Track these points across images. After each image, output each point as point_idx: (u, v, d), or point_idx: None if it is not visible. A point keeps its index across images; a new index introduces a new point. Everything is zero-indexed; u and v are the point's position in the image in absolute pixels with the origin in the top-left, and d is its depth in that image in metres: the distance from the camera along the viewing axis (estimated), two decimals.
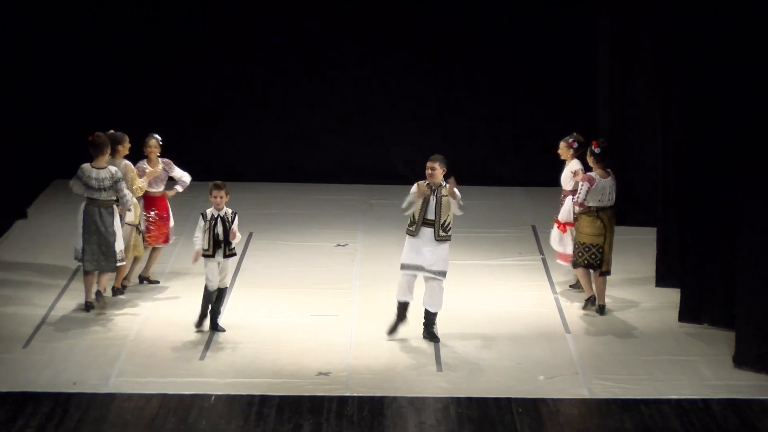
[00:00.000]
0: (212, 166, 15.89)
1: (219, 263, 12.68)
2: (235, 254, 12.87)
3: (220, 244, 12.64)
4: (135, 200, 13.64)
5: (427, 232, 12.44)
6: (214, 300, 12.74)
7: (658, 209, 14.36)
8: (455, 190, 12.39)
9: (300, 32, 18.23)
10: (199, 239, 12.65)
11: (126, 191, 13.16)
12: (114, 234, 13.14)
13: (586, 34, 17.34)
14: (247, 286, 14.13)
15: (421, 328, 12.67)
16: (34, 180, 17.48)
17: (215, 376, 11.71)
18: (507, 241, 15.73)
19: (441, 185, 12.46)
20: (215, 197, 12.67)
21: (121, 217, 13.38)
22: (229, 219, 12.66)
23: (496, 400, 11.28)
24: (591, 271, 13.42)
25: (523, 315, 13.41)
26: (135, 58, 18.18)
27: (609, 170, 13.40)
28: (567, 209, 13.85)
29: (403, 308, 12.64)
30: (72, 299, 13.57)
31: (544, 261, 14.62)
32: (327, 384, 11.58)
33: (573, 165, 13.85)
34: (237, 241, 12.76)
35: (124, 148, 13.54)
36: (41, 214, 16.80)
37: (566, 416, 11.06)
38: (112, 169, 13.13)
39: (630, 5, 16.22)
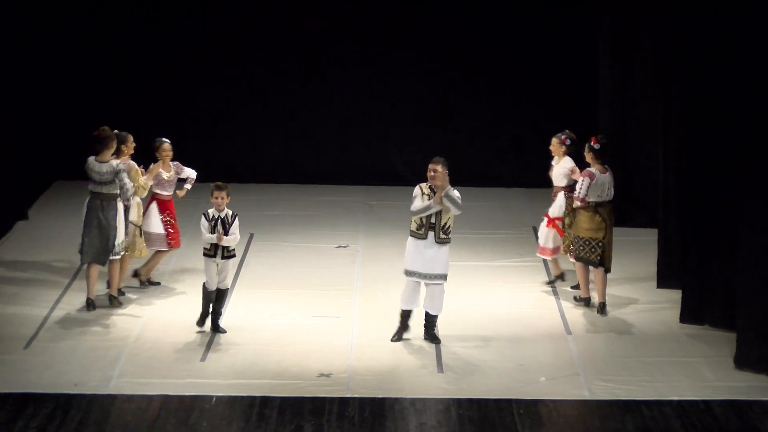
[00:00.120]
0: (213, 167, 15.87)
1: (218, 264, 12.69)
2: (234, 255, 12.86)
3: (219, 245, 12.66)
4: (139, 200, 13.68)
5: (429, 234, 12.44)
6: (213, 299, 12.75)
7: (658, 210, 14.36)
8: (448, 185, 12.30)
9: (300, 33, 18.23)
10: (206, 236, 12.65)
11: (126, 181, 13.17)
12: (115, 228, 13.18)
13: (586, 34, 17.35)
14: (248, 287, 14.13)
15: (422, 329, 12.67)
16: (35, 181, 17.47)
17: (216, 378, 11.71)
18: (507, 242, 15.73)
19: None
20: (216, 198, 12.68)
21: (126, 210, 13.39)
22: (229, 221, 12.67)
23: (497, 402, 11.28)
24: (590, 270, 13.49)
25: (523, 316, 13.42)
26: (136, 58, 18.18)
27: (607, 166, 13.46)
28: (558, 205, 13.94)
29: (406, 316, 12.63)
30: (73, 300, 13.58)
31: (544, 262, 14.60)
32: (328, 385, 11.58)
33: (566, 162, 13.97)
34: (233, 244, 12.70)
35: (128, 147, 13.57)
36: (42, 215, 16.80)
37: (567, 417, 11.07)
38: (114, 162, 13.17)
39: (630, 5, 16.22)
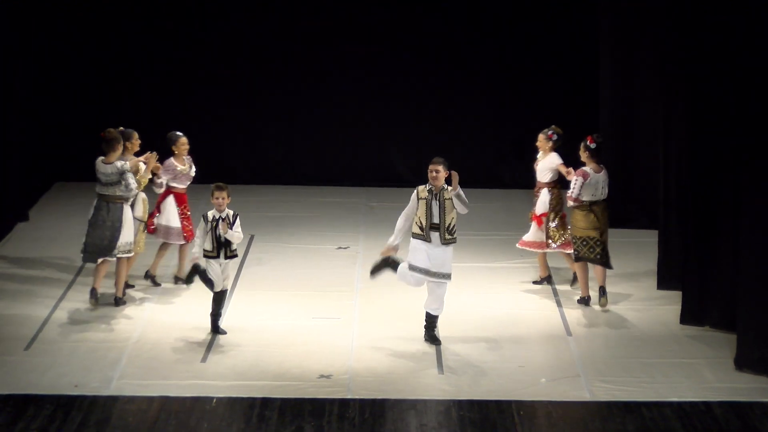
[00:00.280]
0: (213, 168, 15.87)
1: (220, 264, 12.70)
2: (236, 255, 12.88)
3: (222, 245, 12.66)
4: (144, 195, 13.73)
5: (433, 236, 12.44)
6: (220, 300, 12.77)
7: (658, 210, 14.36)
8: (457, 185, 12.34)
9: (301, 34, 18.23)
10: (200, 240, 12.66)
11: (131, 181, 13.24)
12: (119, 229, 13.23)
13: (586, 34, 17.35)
14: (248, 288, 14.13)
15: (423, 330, 12.67)
16: (36, 182, 17.48)
17: (217, 379, 11.71)
18: (509, 243, 15.68)
19: (443, 188, 12.45)
20: (217, 198, 12.69)
21: (131, 206, 13.46)
22: (230, 221, 12.67)
23: (498, 403, 11.28)
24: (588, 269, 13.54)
25: (524, 317, 13.42)
26: (136, 59, 18.18)
27: (602, 165, 13.49)
28: (543, 201, 13.99)
29: (393, 266, 12.55)
30: (74, 301, 13.58)
31: (547, 265, 14.59)
32: (328, 387, 11.58)
33: (552, 157, 14.03)
34: (237, 241, 12.75)
35: (133, 144, 13.66)
36: (43, 216, 16.80)
37: (568, 419, 11.06)
38: (118, 163, 13.23)
39: (630, 5, 16.22)
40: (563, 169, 13.92)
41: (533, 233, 14.13)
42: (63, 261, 14.82)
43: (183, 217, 14.02)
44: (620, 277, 14.45)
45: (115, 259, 13.35)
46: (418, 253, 12.44)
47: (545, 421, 10.99)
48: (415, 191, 12.52)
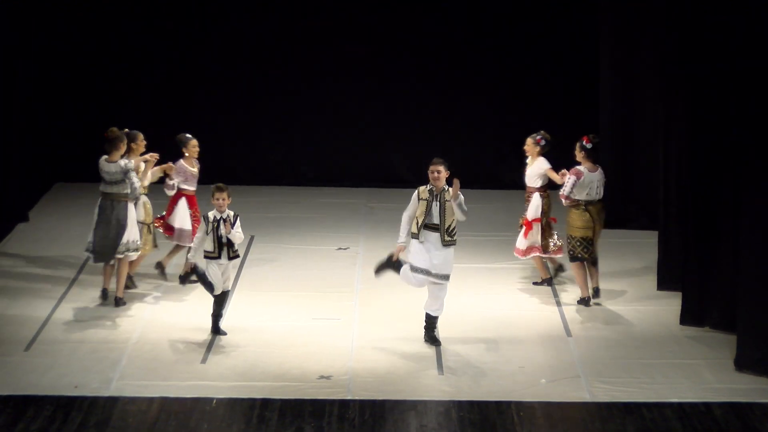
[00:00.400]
0: (213, 169, 15.87)
1: (222, 265, 12.69)
2: (238, 256, 12.88)
3: (223, 246, 12.66)
4: (145, 198, 13.75)
5: (433, 237, 12.42)
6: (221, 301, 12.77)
7: (659, 211, 14.35)
8: (459, 192, 12.35)
9: (301, 35, 18.22)
10: (198, 243, 12.66)
11: (135, 180, 13.29)
12: (123, 227, 13.27)
13: (586, 34, 17.35)
14: (248, 289, 14.13)
15: (422, 331, 12.67)
16: (36, 183, 17.48)
17: (217, 380, 11.71)
18: (509, 244, 15.62)
19: (444, 189, 12.45)
20: (217, 199, 12.69)
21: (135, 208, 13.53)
22: (231, 222, 12.67)
23: (498, 404, 11.29)
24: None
25: (524, 318, 13.42)
26: (137, 61, 18.18)
27: (597, 165, 13.51)
28: (534, 206, 13.99)
29: (398, 264, 12.54)
30: (74, 302, 13.59)
31: (546, 267, 14.58)
32: (328, 387, 11.58)
33: (540, 162, 14.07)
34: (239, 241, 12.76)
35: (139, 146, 13.74)
36: (43, 217, 16.80)
37: (567, 420, 11.06)
38: (122, 162, 13.27)
39: (630, 5, 16.23)
40: (552, 174, 13.94)
41: (526, 239, 14.09)
42: (63, 262, 14.82)
43: (194, 219, 14.06)
44: (620, 277, 14.45)
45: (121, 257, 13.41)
46: (418, 254, 12.44)
47: (545, 422, 10.99)
48: (416, 192, 12.51)
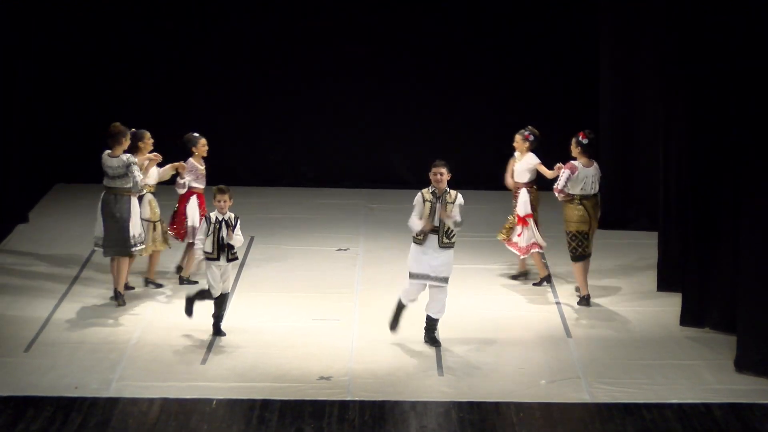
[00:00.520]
0: (214, 170, 15.85)
1: (221, 267, 12.69)
2: (237, 258, 12.88)
3: (223, 248, 12.66)
4: (151, 196, 13.80)
5: (432, 238, 12.42)
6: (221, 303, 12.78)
7: (659, 212, 14.35)
8: (448, 217, 12.32)
9: (301, 36, 18.21)
10: (201, 241, 12.67)
11: (137, 174, 13.33)
12: (127, 221, 13.32)
13: (586, 34, 17.35)
14: (248, 290, 14.12)
15: (423, 332, 12.66)
16: (36, 183, 17.48)
17: (217, 381, 11.71)
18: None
19: (446, 191, 12.44)
20: (219, 201, 12.69)
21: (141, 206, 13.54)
22: (232, 223, 12.67)
23: (498, 405, 11.29)
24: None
25: (524, 319, 13.42)
26: (137, 61, 18.17)
27: (593, 160, 13.54)
28: (523, 201, 14.01)
29: (401, 309, 12.61)
30: (74, 303, 13.59)
31: (545, 265, 14.58)
32: (328, 388, 11.58)
33: (529, 158, 14.11)
34: (239, 245, 12.77)
35: (146, 144, 13.77)
36: (43, 217, 16.80)
37: (567, 421, 11.06)
38: (124, 156, 13.32)
39: (630, 5, 16.23)
40: (543, 169, 13.97)
41: (524, 236, 14.11)
42: (63, 262, 14.82)
43: (202, 217, 14.08)
44: (620, 278, 14.45)
45: (136, 255, 13.49)
46: (415, 259, 12.43)
47: (545, 423, 10.98)
48: (420, 194, 12.49)
